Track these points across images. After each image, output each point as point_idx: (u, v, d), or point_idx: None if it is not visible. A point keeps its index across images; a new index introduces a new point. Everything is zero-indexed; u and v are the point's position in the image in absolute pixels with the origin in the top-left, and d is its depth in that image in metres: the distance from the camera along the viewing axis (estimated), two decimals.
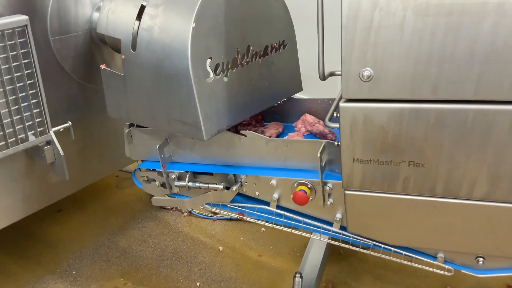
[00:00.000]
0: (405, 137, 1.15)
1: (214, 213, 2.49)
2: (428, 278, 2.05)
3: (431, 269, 1.39)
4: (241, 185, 1.49)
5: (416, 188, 1.21)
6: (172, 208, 2.53)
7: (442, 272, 1.37)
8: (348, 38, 1.11)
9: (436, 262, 1.35)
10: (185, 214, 2.49)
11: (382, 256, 1.43)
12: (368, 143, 1.19)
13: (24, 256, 2.17)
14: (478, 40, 1.02)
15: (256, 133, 1.41)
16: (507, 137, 1.07)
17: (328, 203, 1.39)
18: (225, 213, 1.57)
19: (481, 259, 1.30)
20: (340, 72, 1.16)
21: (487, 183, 1.14)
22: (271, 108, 1.61)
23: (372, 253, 1.42)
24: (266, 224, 1.52)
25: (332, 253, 2.18)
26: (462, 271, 1.35)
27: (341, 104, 1.18)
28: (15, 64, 1.46)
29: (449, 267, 1.35)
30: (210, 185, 1.49)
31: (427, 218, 1.25)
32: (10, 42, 1.44)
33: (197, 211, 2.49)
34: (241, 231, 2.37)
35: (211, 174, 1.51)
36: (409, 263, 1.42)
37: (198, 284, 2.03)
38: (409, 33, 1.06)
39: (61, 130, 1.67)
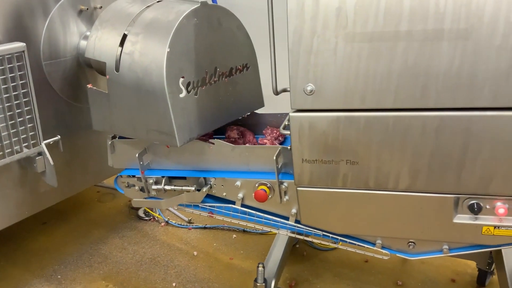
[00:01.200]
0: (342, 140, 1.40)
1: (189, 222, 2.71)
2: (381, 274, 2.29)
3: (371, 254, 1.63)
4: (211, 187, 1.72)
5: (353, 182, 1.46)
6: (150, 219, 2.73)
7: (380, 256, 1.61)
8: (293, 60, 1.37)
9: (375, 248, 1.60)
10: (162, 224, 2.69)
11: (331, 245, 1.67)
12: (313, 145, 1.44)
13: (13, 264, 2.34)
14: (394, 60, 1.29)
15: (223, 141, 1.65)
16: (421, 137, 1.33)
17: (285, 199, 1.62)
18: (197, 212, 1.78)
19: (412, 244, 1.55)
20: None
21: (408, 176, 1.39)
22: (237, 121, 1.86)
23: (322, 242, 1.65)
24: (233, 221, 1.75)
25: (297, 255, 2.41)
26: (398, 255, 1.60)
27: (291, 114, 1.43)
28: (13, 84, 1.69)
29: (386, 252, 1.59)
30: (183, 188, 1.71)
31: (364, 208, 1.50)
32: (9, 65, 1.67)
33: (174, 221, 2.70)
34: (214, 238, 2.58)
35: (184, 178, 1.74)
36: (353, 250, 1.66)
37: (174, 284, 2.23)
38: (341, 56, 1.32)
39: (51, 142, 1.88)
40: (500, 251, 1.90)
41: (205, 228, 2.65)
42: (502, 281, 1.80)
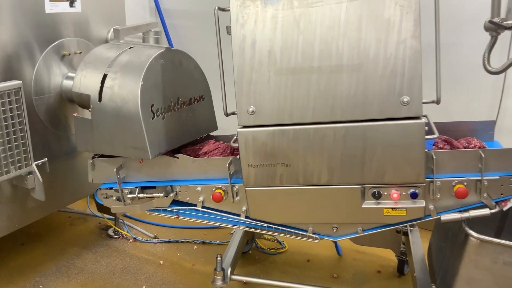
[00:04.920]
0: (277, 148, 1.86)
1: (155, 237, 3.06)
2: (320, 270, 2.72)
3: (304, 239, 2.06)
4: (176, 194, 2.11)
5: (287, 181, 1.90)
6: (119, 237, 3.07)
7: (311, 240, 2.04)
8: (239, 89, 1.82)
9: (307, 234, 2.04)
10: (131, 240, 3.03)
11: (274, 234, 2.09)
12: (256, 153, 1.88)
13: None
14: (310, 87, 1.77)
15: (186, 155, 2.07)
16: (333, 143, 1.80)
17: (236, 199, 2.04)
18: (165, 215, 2.17)
19: (335, 228, 2.00)
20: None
21: (327, 173, 1.85)
22: (195, 141, 2.29)
23: (268, 233, 2.07)
24: (196, 220, 2.14)
25: (249, 259, 2.81)
26: (326, 238, 2.04)
27: (238, 130, 1.88)
28: (11, 114, 2.06)
29: (316, 236, 2.03)
30: (154, 195, 2.11)
31: (297, 201, 1.94)
32: (8, 99, 2.05)
33: (141, 237, 3.05)
34: (177, 249, 2.94)
35: (154, 187, 2.13)
36: (291, 237, 2.08)
37: (144, 287, 2.57)
38: (273, 85, 1.79)
39: (40, 164, 2.24)
40: (408, 239, 2.40)
41: (169, 242, 3.01)
42: (411, 265, 2.28)
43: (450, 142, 1.99)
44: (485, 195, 1.81)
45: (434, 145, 1.98)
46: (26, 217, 2.35)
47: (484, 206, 1.83)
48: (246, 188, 1.97)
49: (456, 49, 2.82)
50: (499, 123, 2.79)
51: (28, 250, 2.89)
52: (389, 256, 2.75)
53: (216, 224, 2.12)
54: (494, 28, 1.94)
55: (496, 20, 1.93)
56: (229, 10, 1.79)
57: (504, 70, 1.96)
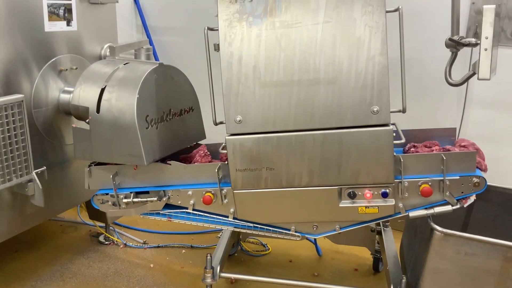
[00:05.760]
0: (262, 153, 2.05)
1: (144, 243, 3.21)
2: (302, 269, 2.91)
3: (287, 238, 2.24)
4: (169, 198, 2.28)
5: (272, 183, 2.09)
6: (110, 243, 3.20)
7: (294, 238, 2.23)
8: (227, 100, 2.01)
9: (290, 232, 2.23)
10: (121, 246, 3.17)
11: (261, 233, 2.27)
12: (243, 159, 2.07)
13: None
14: (291, 98, 1.97)
15: (177, 162, 2.25)
16: (312, 148, 2.00)
17: (225, 202, 2.21)
18: (158, 218, 2.33)
19: (315, 226, 2.20)
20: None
21: (307, 176, 2.05)
22: (185, 149, 2.47)
23: (254, 232, 2.25)
24: (187, 222, 2.31)
25: (236, 261, 2.98)
26: (307, 236, 2.23)
27: (226, 137, 2.07)
28: (13, 126, 2.22)
29: (298, 234, 2.22)
30: (148, 199, 2.27)
31: (281, 202, 2.13)
32: (12, 111, 2.20)
33: (131, 243, 3.19)
34: (166, 253, 3.10)
35: (148, 192, 2.30)
36: (275, 235, 2.26)
37: None
38: (258, 96, 1.99)
39: (39, 172, 2.39)
40: (382, 238, 2.61)
41: (158, 247, 3.16)
42: (384, 261, 2.49)
43: (429, 146, 2.20)
44: (447, 193, 2.03)
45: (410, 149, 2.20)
46: (25, 223, 2.48)
47: (447, 203, 2.06)
48: (234, 191, 2.15)
49: (423, 64, 3.08)
50: (462, 130, 3.06)
51: (22, 257, 3.01)
52: (365, 255, 2.96)
53: (206, 225, 2.30)
54: (454, 45, 2.18)
55: (455, 38, 2.17)
56: (217, 30, 2.00)
57: (463, 82, 2.21)
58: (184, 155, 2.43)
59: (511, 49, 2.87)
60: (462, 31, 2.94)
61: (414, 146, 2.22)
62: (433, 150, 2.15)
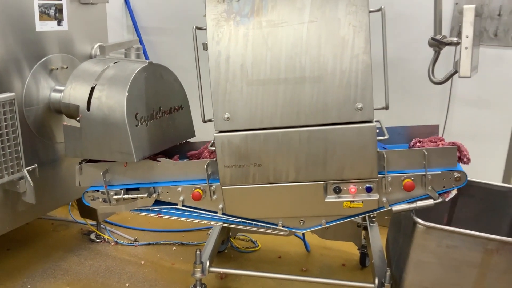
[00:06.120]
0: (250, 150, 2.10)
1: (135, 240, 3.25)
2: (290, 265, 2.96)
3: (275, 233, 2.29)
4: (158, 194, 2.32)
5: (259, 179, 2.14)
6: (101, 241, 3.23)
7: (281, 233, 2.28)
8: (215, 99, 2.06)
9: (278, 227, 2.28)
10: (112, 244, 3.20)
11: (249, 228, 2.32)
12: (231, 155, 2.12)
13: None
14: (278, 96, 2.02)
15: (166, 159, 2.29)
16: (299, 145, 2.05)
17: (214, 198, 2.26)
18: (148, 215, 2.37)
19: (302, 221, 2.25)
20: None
21: (294, 172, 2.10)
22: (176, 146, 2.51)
23: (242, 227, 2.30)
24: (176, 218, 2.36)
25: (226, 257, 3.03)
26: (294, 231, 2.28)
27: (215, 134, 2.11)
28: (5, 124, 2.25)
29: (285, 229, 2.27)
30: (138, 196, 2.31)
31: (268, 197, 2.18)
32: (3, 110, 2.23)
33: (122, 241, 3.23)
34: (157, 251, 3.14)
35: (138, 189, 2.34)
36: (263, 230, 2.31)
37: (127, 285, 2.75)
38: (245, 94, 2.04)
39: (30, 169, 2.42)
40: (368, 233, 2.67)
41: (149, 244, 3.20)
42: (370, 255, 2.54)
43: (434, 141, 2.25)
44: (429, 187, 2.09)
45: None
46: (16, 220, 2.51)
47: (429, 197, 2.12)
48: (223, 187, 2.20)
49: (408, 63, 3.15)
50: (447, 127, 3.13)
51: (14, 255, 3.03)
52: (352, 251, 3.02)
53: (196, 221, 2.34)
54: (436, 44, 2.25)
55: (437, 37, 2.24)
56: (205, 29, 2.04)
57: (445, 80, 2.28)
58: (192, 151, 2.47)
59: (493, 48, 2.95)
60: (446, 31, 3.01)
61: (420, 141, 2.28)
62: (438, 145, 2.20)
